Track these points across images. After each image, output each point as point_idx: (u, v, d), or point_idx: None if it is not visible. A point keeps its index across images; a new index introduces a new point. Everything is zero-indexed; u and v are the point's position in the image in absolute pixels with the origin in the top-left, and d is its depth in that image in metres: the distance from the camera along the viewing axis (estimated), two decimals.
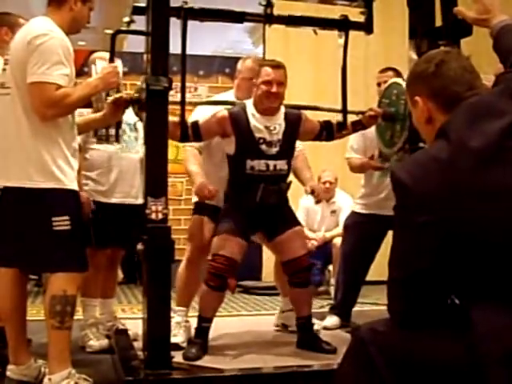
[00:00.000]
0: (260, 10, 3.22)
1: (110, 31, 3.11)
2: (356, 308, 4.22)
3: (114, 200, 3.59)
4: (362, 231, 4.00)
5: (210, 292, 3.12)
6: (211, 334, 3.19)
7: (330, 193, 5.70)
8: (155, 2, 2.82)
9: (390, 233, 2.85)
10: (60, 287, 2.68)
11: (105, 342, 3.51)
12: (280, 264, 3.35)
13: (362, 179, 4.18)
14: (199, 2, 3.10)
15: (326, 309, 4.42)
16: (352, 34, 3.37)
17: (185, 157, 3.49)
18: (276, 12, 3.23)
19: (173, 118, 3.01)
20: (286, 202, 3.31)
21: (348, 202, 5.60)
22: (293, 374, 2.93)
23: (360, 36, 3.47)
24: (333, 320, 3.99)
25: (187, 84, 3.22)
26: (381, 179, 3.97)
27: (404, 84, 3.21)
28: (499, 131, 1.55)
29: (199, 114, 3.38)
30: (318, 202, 3.52)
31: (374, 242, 3.99)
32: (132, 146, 3.64)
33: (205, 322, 3.15)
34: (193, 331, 3.24)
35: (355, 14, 3.42)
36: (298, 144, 3.53)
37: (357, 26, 3.39)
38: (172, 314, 2.93)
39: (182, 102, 3.08)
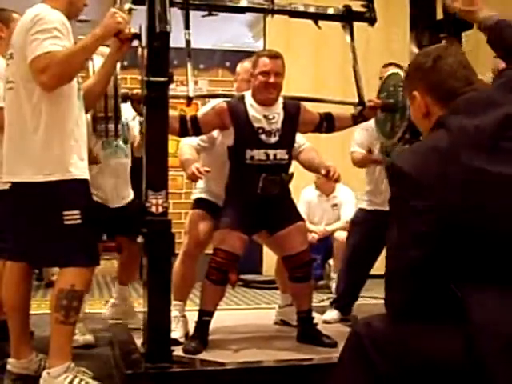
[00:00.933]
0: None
1: None
2: (357, 302, 4.21)
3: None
4: (369, 227, 3.99)
5: (211, 286, 3.11)
6: (211, 327, 3.18)
7: (331, 187, 5.67)
8: None
9: None
10: (68, 281, 2.64)
11: (90, 337, 3.48)
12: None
13: (365, 174, 4.18)
14: None
15: (326, 303, 4.42)
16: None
17: (179, 151, 3.33)
18: (277, 3, 3.23)
19: (173, 112, 2.99)
20: (288, 195, 3.29)
21: (349, 195, 5.59)
22: (293, 367, 2.93)
23: (361, 29, 3.46)
24: (333, 314, 3.98)
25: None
26: (384, 175, 3.97)
27: (402, 73, 3.21)
28: (497, 121, 1.58)
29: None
30: (336, 181, 3.27)
31: (380, 238, 3.97)
32: (121, 150, 3.56)
33: (205, 315, 3.15)
34: (190, 326, 3.24)
35: (355, 8, 3.40)
36: (304, 141, 3.52)
37: (360, 17, 3.37)
38: None
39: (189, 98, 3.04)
